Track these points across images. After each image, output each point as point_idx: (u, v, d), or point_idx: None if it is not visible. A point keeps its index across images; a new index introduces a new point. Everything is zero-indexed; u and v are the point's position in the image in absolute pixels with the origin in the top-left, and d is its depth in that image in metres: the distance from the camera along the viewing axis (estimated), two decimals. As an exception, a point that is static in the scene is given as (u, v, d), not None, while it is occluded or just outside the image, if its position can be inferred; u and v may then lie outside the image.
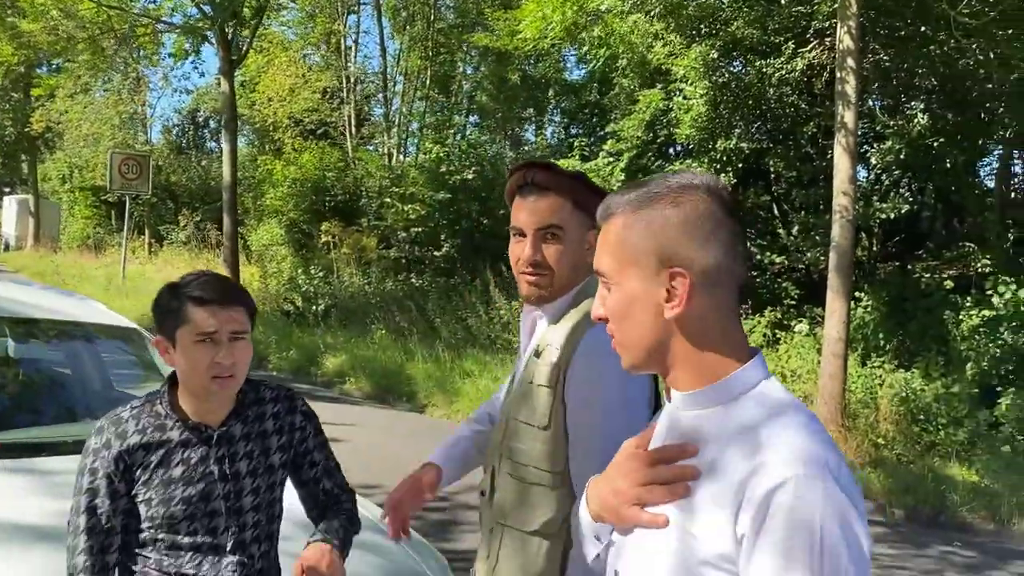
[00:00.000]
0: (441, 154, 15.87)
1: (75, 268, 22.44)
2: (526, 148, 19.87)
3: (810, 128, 11.75)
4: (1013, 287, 8.99)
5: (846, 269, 8.16)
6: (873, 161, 11.16)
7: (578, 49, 15.13)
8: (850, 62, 8.12)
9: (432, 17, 19.43)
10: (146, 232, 25.04)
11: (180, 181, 25.73)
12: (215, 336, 1.75)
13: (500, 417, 1.92)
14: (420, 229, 15.13)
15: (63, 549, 2.34)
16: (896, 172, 11.44)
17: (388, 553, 2.80)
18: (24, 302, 3.88)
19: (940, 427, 8.23)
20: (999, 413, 8.20)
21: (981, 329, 9.17)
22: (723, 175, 11.85)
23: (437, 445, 2.25)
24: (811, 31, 11.21)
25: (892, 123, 10.89)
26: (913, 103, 11.36)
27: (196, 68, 38.87)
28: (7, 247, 31.11)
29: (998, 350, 8.83)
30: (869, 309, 10.44)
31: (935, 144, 10.91)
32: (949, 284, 10.38)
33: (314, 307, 14.47)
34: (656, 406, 1.75)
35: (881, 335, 10.17)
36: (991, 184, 13.12)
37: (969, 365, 8.91)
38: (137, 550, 1.81)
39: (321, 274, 15.35)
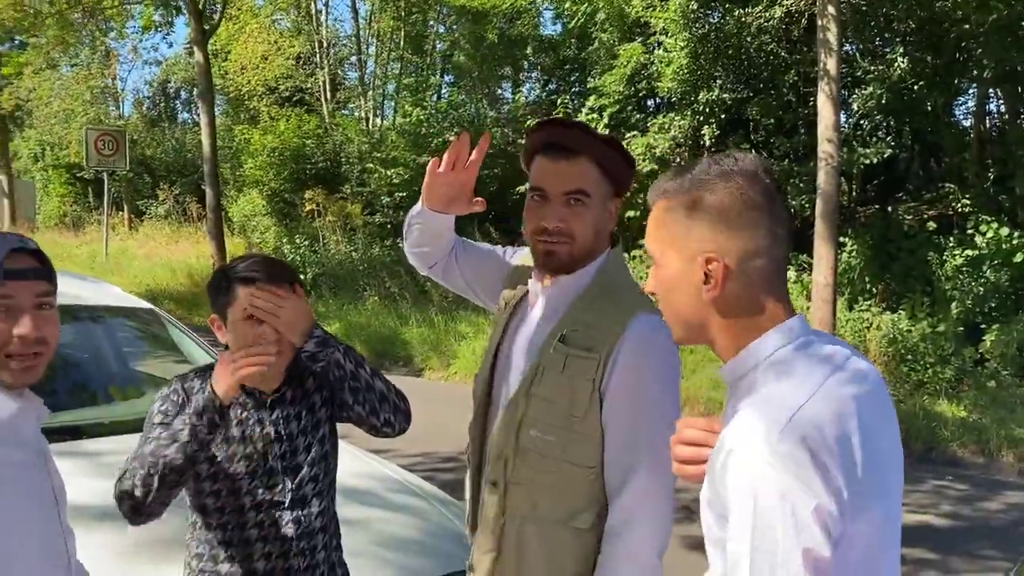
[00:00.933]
0: (420, 116, 15.77)
1: (56, 247, 22.15)
2: (505, 107, 19.77)
3: (790, 76, 11.80)
4: (995, 226, 9.18)
5: (832, 215, 8.30)
6: (855, 107, 11.26)
7: (556, 4, 15.02)
8: (830, 9, 8.17)
9: (403, -23, 19.15)
10: (124, 208, 24.76)
11: (156, 155, 25.38)
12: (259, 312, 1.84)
13: (508, 405, 1.79)
14: (404, 193, 15.09)
15: (116, 527, 2.45)
16: (877, 117, 11.54)
17: (423, 513, 2.90)
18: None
19: (928, 366, 8.47)
20: (984, 350, 8.45)
21: (964, 269, 9.38)
22: (706, 127, 11.92)
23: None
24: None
25: (872, 68, 10.96)
26: (892, 47, 11.42)
27: (165, 39, 38.00)
28: (-20, 229, 30.74)
29: (981, 288, 9.05)
30: (854, 254, 10.62)
31: (915, 87, 11.00)
32: (932, 226, 10.56)
33: (303, 276, 14.48)
34: None
35: (867, 279, 10.37)
36: (967, 124, 13.27)
37: (954, 304, 9.14)
38: (203, 510, 1.91)
39: (307, 243, 15.33)
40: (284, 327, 1.83)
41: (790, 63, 11.75)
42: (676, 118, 12.16)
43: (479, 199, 1.90)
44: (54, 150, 26.26)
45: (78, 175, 25.47)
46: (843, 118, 10.90)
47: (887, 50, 11.76)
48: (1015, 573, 2.26)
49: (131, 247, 20.33)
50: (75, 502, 2.48)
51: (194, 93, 26.52)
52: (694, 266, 1.22)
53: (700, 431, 1.30)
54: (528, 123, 12.85)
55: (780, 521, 1.03)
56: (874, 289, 10.25)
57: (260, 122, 19.95)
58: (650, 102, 14.52)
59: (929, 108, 11.58)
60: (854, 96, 11.29)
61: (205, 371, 1.95)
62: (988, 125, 13.20)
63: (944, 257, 9.75)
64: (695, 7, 11.49)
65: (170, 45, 43.41)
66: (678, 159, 12.04)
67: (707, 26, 11.76)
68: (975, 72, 11.46)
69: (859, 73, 11.36)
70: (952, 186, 11.47)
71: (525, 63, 19.34)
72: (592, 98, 12.93)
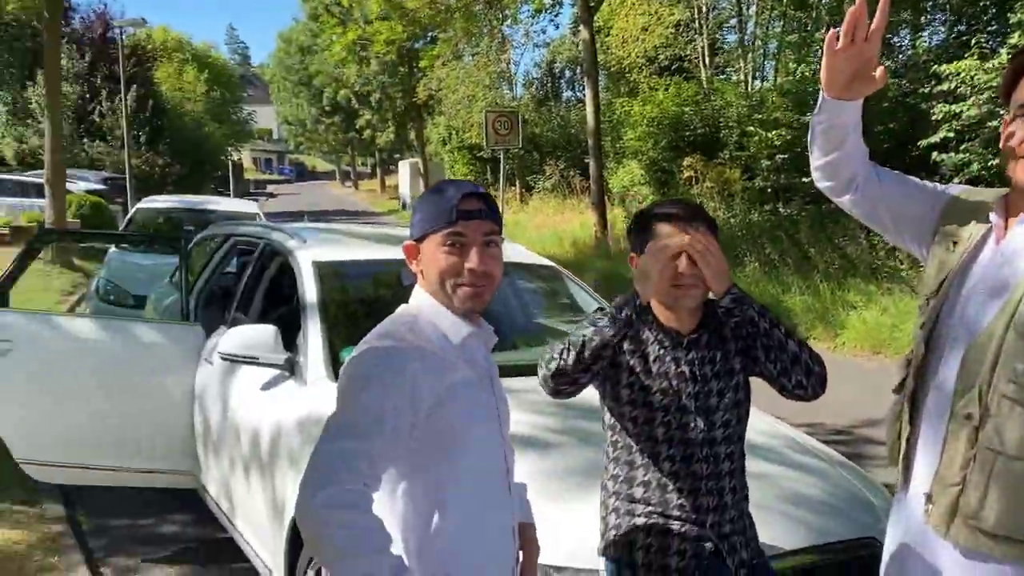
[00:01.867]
0: (805, 73, 14.92)
1: (461, 219, 24.96)
2: (902, 57, 17.92)
3: None
4: None
5: None
6: None
7: (970, -68, 13.18)
8: None
9: (787, -72, 18.17)
10: (516, 183, 27.01)
11: (543, 132, 27.25)
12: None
13: (980, 337, 1.72)
14: (786, 155, 14.43)
15: (545, 454, 2.71)
16: None
17: (829, 477, 2.80)
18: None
19: None
20: None
21: None
22: None
23: None
24: None
25: None
26: None
27: (552, 20, 40.68)
28: (404, 206, 35.56)
29: None
30: None
31: None
32: None
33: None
34: None
35: None
36: None
37: None
38: (622, 435, 2.02)
39: (684, 210, 15.38)
40: (709, 270, 1.87)
41: None
42: None
43: (882, 68, 1.71)
44: (458, 133, 29.42)
45: (477, 155, 28.27)
46: None
47: None
48: None
49: (523, 219, 22.15)
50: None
51: (577, 72, 28.00)
52: None
53: None
54: (933, 69, 11.45)
55: None
56: None
57: (639, 94, 20.41)
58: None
59: None
60: None
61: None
62: None
63: None
64: None
65: (557, 27, 46.25)
66: None
67: None
68: None
69: None
70: None
71: (929, 4, 17.33)
72: (1017, 35, 11.15)
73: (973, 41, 11.74)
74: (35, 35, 23.17)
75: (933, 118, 10.80)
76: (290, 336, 3.45)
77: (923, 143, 11.02)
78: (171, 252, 5.84)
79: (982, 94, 10.07)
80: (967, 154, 10.33)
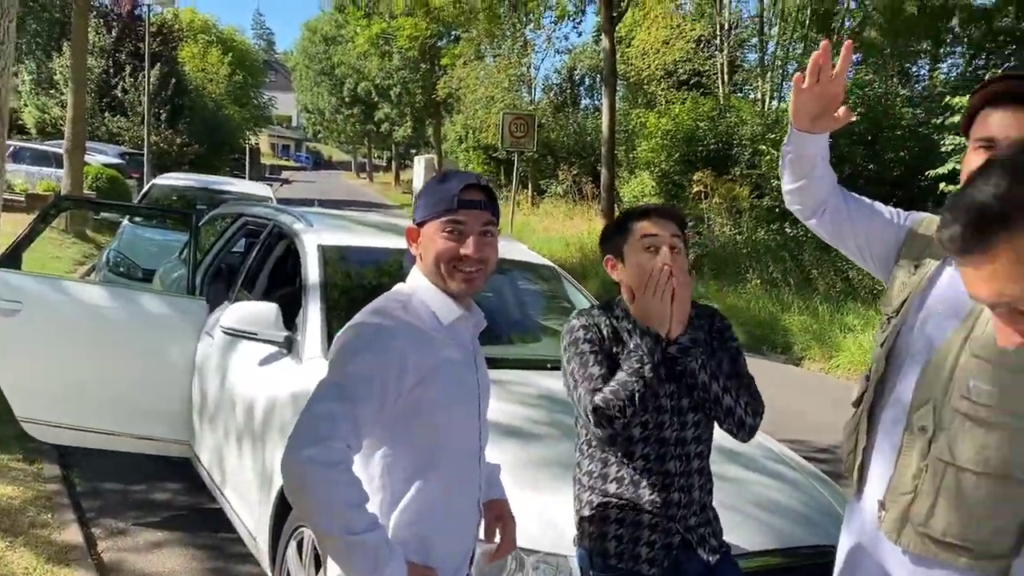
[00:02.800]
0: (822, 97, 14.98)
1: (471, 218, 25.06)
2: (919, 85, 18.00)
3: None
4: None
5: None
6: None
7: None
8: None
9: (814, -49, 18.29)
10: (529, 186, 27.13)
11: (559, 138, 27.37)
12: (655, 241, 2.02)
13: (938, 352, 1.79)
14: (797, 177, 14.52)
15: (526, 444, 2.81)
16: None
17: (799, 486, 2.89)
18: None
19: None
20: None
21: None
22: None
23: None
24: None
25: None
26: None
27: (575, 28, 40.84)
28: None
29: None
30: None
31: None
32: None
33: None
34: None
35: None
36: None
37: None
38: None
39: (692, 224, 15.49)
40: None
41: None
42: None
43: (845, 108, 1.84)
44: (475, 133, 29.55)
45: (493, 155, 28.39)
46: None
47: None
48: None
49: (532, 222, 22.25)
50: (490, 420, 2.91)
51: (597, 80, 28.10)
52: None
53: None
54: (946, 101, 11.54)
55: None
56: None
57: (656, 106, 20.52)
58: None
59: None
60: None
61: (604, 308, 2.15)
62: None
63: None
64: None
65: (579, 34, 46.41)
66: None
67: None
68: None
69: None
70: None
71: (949, 36, 17.40)
72: (1033, 73, 11.24)
73: (987, 75, 11.79)
74: (64, 7, 23.39)
75: (943, 149, 10.88)
76: (291, 315, 3.56)
77: (932, 173, 11.10)
78: (182, 227, 5.95)
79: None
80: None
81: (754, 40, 21.28)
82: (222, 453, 3.69)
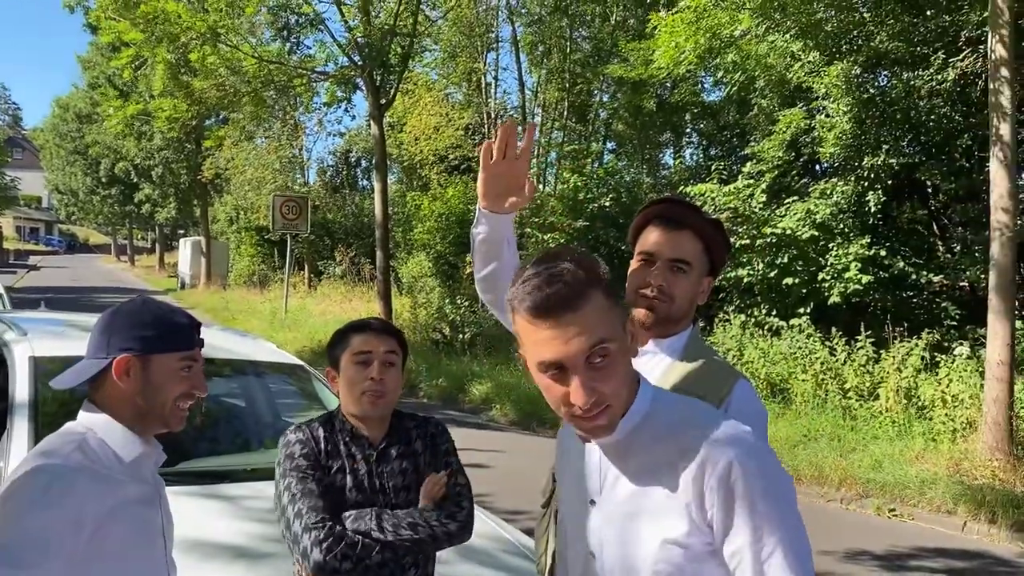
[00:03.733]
0: (579, 183, 16.11)
1: (243, 303, 24.15)
2: (664, 173, 19.82)
3: (965, 140, 11.16)
4: None
5: (1007, 288, 7.72)
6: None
7: (713, 73, 15.05)
8: (1004, 72, 7.73)
9: (568, 50, 19.82)
10: (305, 268, 26.61)
11: (335, 219, 27.22)
12: (369, 357, 2.08)
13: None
14: (560, 258, 15.36)
15: (256, 563, 2.69)
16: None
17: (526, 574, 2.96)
18: (208, 343, 4.33)
19: (1125, 457, 7.59)
20: None
21: None
22: (871, 192, 11.44)
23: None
24: (961, 39, 10.69)
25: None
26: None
27: (347, 112, 41.14)
28: (183, 285, 33.79)
29: None
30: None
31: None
32: None
33: (461, 336, 14.96)
34: None
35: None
36: None
37: None
38: None
39: (467, 303, 15.87)
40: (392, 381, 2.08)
41: (965, 127, 11.12)
42: (839, 184, 11.76)
43: (530, 183, 1.93)
44: (246, 214, 28.71)
45: (266, 237, 27.65)
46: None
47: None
48: None
49: (308, 304, 21.77)
50: (215, 540, 2.76)
51: (372, 162, 28.41)
52: None
53: None
54: (681, 189, 12.82)
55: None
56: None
57: (431, 189, 21.02)
58: (814, 167, 14.12)
59: None
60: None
61: (324, 420, 2.15)
62: None
63: None
64: (858, 72, 11.17)
65: (352, 117, 46.87)
66: (841, 225, 11.59)
67: (872, 90, 11.38)
68: None
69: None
70: None
71: (685, 129, 19.39)
72: (750, 164, 12.76)
73: (713, 167, 13.24)
74: None
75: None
76: (-1, 438, 3.21)
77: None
78: None
79: (722, 214, 11.33)
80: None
81: (520, 128, 22.53)
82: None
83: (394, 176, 26.19)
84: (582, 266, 1.34)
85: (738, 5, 10.30)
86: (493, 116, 22.19)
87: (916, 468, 7.88)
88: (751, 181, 12.40)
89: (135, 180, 37.89)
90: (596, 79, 19.84)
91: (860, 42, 11.29)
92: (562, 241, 15.36)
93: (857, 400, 9.77)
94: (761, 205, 12.02)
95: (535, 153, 20.89)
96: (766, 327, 11.33)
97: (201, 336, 1.76)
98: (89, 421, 1.69)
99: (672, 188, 15.37)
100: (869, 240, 11.32)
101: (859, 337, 10.15)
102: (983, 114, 10.57)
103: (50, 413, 3.28)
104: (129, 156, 34.90)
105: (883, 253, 11.31)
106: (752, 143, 13.53)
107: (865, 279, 11.00)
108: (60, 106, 47.15)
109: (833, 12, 10.96)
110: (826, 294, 11.36)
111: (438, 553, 2.20)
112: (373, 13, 15.32)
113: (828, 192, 11.76)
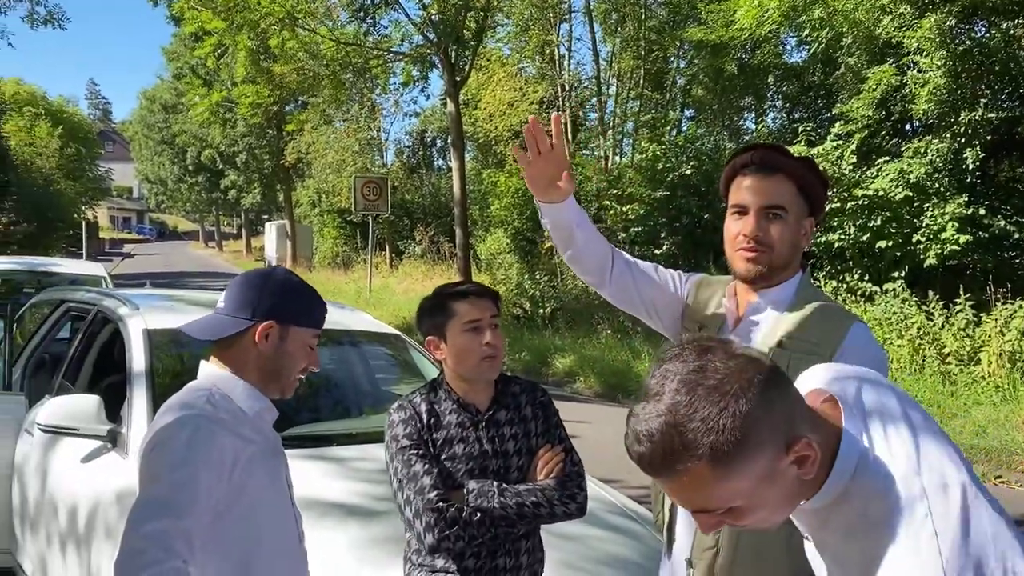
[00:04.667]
0: (657, 152, 15.86)
1: (328, 284, 24.70)
2: (746, 138, 19.33)
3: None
4: None
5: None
6: None
7: (798, 32, 14.56)
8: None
9: (643, 16, 19.45)
10: (387, 248, 27.03)
11: (414, 199, 27.52)
12: (480, 324, 2.08)
13: None
14: (640, 229, 15.21)
15: (368, 522, 2.76)
16: None
17: (640, 537, 2.96)
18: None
19: None
20: None
21: None
22: (969, 149, 10.93)
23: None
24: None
25: None
26: None
27: (423, 91, 41.45)
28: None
29: None
30: None
31: None
32: None
33: (541, 310, 14.99)
34: None
35: None
36: None
37: None
38: None
39: (546, 279, 15.87)
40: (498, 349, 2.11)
41: (1072, 75, 10.50)
42: (933, 141, 11.27)
43: (567, 175, 1.95)
44: (328, 197, 29.27)
45: (348, 219, 28.17)
46: None
47: None
48: None
49: (391, 283, 22.14)
50: (327, 499, 2.84)
51: (448, 141, 28.62)
52: None
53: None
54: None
55: None
56: None
57: (506, 165, 21.03)
58: (905, 126, 13.56)
59: None
60: None
61: (427, 389, 2.17)
62: None
63: None
64: (953, 23, 10.63)
65: (428, 97, 47.14)
66: (937, 185, 11.11)
67: (968, 42, 10.83)
68: None
69: None
70: None
71: (768, 92, 18.86)
72: (838, 124, 12.32)
73: (801, 128, 12.84)
74: None
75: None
76: (120, 406, 3.37)
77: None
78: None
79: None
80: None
81: (594, 100, 22.28)
82: (46, 560, 3.41)
83: (469, 154, 26.28)
84: (691, 418, 1.06)
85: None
86: (567, 88, 21.99)
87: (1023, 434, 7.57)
88: (840, 142, 11.98)
89: (220, 167, 39.13)
90: (673, 45, 19.44)
91: (955, -9, 10.74)
92: (642, 212, 15.18)
93: (957, 365, 9.40)
94: (851, 167, 11.62)
95: (611, 124, 20.66)
96: (858, 292, 10.98)
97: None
98: (214, 377, 1.76)
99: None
100: (967, 199, 10.83)
101: (957, 300, 9.75)
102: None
103: (164, 384, 3.43)
104: (214, 144, 36.02)
105: (982, 212, 10.82)
106: (839, 103, 13.06)
107: (963, 239, 10.54)
108: (147, 98, 48.87)
109: (925, -39, 10.46)
110: (921, 256, 10.95)
111: None
112: (447, -11, 15.36)
113: (922, 150, 11.28)
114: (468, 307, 2.08)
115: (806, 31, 12.97)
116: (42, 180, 34.37)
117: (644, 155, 16.54)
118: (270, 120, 27.28)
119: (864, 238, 11.30)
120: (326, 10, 16.52)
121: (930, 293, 10.12)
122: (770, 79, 17.62)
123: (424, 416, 2.10)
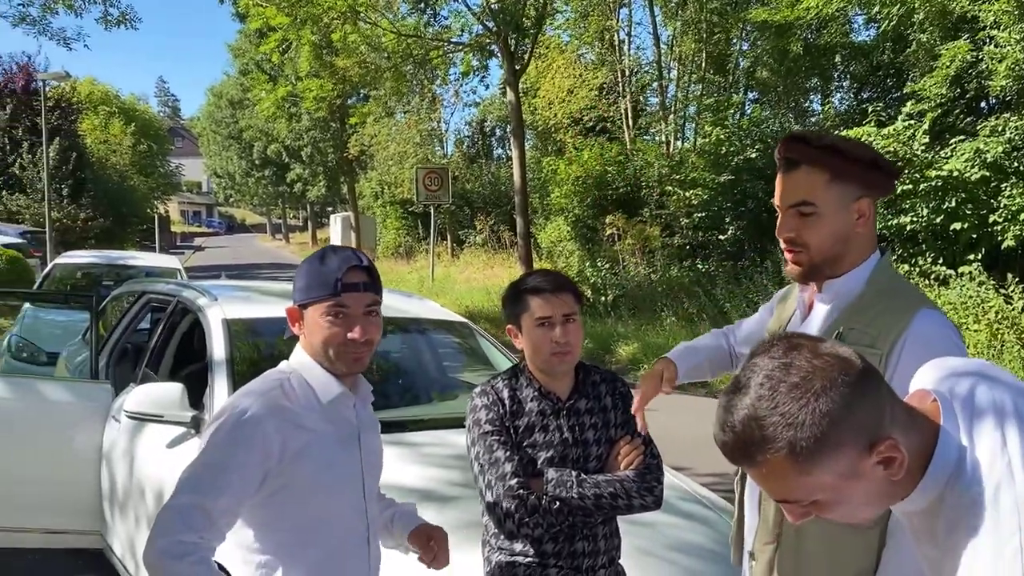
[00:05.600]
0: (721, 135, 15.61)
1: (392, 274, 25.02)
2: (812, 119, 18.90)
3: None
4: None
5: None
6: None
7: (866, 9, 14.15)
8: None
9: (704, -2, 19.14)
10: (448, 237, 27.23)
11: (474, 188, 27.64)
12: (550, 321, 2.09)
13: None
14: (703, 214, 15.02)
15: (443, 506, 2.81)
16: None
17: (712, 523, 2.96)
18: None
19: None
20: None
21: None
22: (1050, 126, 10.51)
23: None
24: None
25: None
26: None
27: (482, 81, 41.61)
28: (334, 260, 35.30)
29: None
30: None
31: None
32: None
33: (603, 298, 14.93)
34: None
35: None
36: None
37: None
38: None
39: (607, 266, 15.80)
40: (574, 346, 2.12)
41: None
42: (1012, 119, 10.85)
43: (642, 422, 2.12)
44: (390, 188, 29.61)
45: (410, 209, 28.46)
46: None
47: None
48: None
49: (453, 273, 22.31)
50: (402, 484, 2.90)
51: (507, 130, 28.63)
52: None
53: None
54: (835, 134, 12.16)
55: None
56: None
57: (565, 153, 20.96)
58: (981, 104, 13.10)
59: None
60: None
61: (509, 375, 2.21)
62: None
63: None
64: (1033, -7, 10.21)
65: (487, 87, 47.28)
66: (1016, 164, 10.71)
67: (1050, 13, 10.38)
68: None
69: None
70: None
71: (835, 72, 18.39)
72: (909, 103, 11.96)
73: (870, 109, 12.49)
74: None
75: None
76: (201, 393, 3.49)
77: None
78: (82, 309, 5.78)
79: (880, 159, 10.69)
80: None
81: (655, 84, 22.04)
82: (134, 541, 3.56)
83: (529, 143, 26.26)
84: (772, 413, 1.08)
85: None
86: (627, 74, 21.78)
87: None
88: (911, 122, 11.63)
89: (286, 161, 39.91)
90: (735, 26, 19.07)
91: (1035, -39, 10.30)
92: (705, 197, 14.97)
93: (1039, 350, 9.07)
94: (923, 147, 11.26)
95: (672, 109, 20.41)
96: (932, 276, 10.67)
97: (358, 280, 1.76)
98: (295, 362, 1.82)
99: (828, 133, 14.63)
100: (1049, 178, 10.43)
101: (1039, 283, 9.41)
102: None
103: (243, 371, 3.54)
104: (280, 138, 36.74)
105: (1065, 191, 10.40)
106: (910, 82, 12.68)
107: (1045, 220, 10.16)
108: (214, 94, 50.06)
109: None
110: (999, 238, 10.57)
111: None
112: (506, -22, 15.35)
113: (1000, 129, 10.87)
114: (540, 303, 2.09)
115: (875, 8, 12.59)
116: (116, 176, 35.59)
117: (707, 139, 16.29)
118: (333, 113, 27.69)
119: (938, 220, 10.96)
120: (387, 3, 16.68)
121: (1009, 276, 9.77)
122: (837, 59, 17.18)
123: (507, 402, 2.13)
